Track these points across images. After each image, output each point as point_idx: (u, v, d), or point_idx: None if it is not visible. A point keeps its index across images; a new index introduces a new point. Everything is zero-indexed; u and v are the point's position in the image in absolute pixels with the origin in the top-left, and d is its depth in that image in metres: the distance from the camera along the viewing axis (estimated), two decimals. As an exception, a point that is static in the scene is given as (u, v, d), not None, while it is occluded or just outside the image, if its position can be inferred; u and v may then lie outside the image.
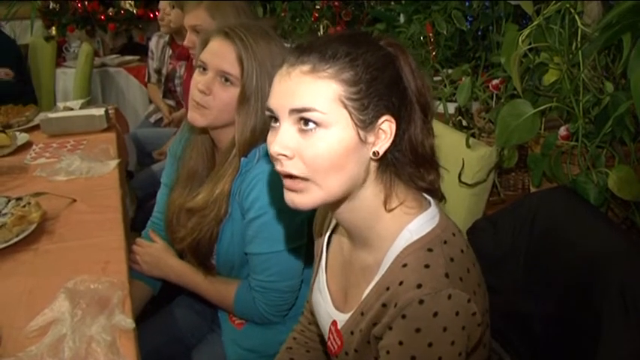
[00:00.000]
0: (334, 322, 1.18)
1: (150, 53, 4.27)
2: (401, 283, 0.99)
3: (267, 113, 1.03)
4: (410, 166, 1.06)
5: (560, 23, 1.63)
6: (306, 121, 0.97)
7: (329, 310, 1.20)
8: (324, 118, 0.96)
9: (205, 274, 1.69)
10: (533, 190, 1.75)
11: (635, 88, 1.27)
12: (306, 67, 0.98)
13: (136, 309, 1.62)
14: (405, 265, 1.00)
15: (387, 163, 1.05)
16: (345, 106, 0.97)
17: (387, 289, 1.01)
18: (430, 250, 1.01)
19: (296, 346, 1.47)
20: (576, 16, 1.58)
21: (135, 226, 2.43)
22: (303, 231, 1.58)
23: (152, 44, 4.25)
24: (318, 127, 0.97)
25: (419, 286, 0.96)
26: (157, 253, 1.78)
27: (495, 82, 1.99)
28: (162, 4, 3.94)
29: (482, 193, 1.85)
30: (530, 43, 1.70)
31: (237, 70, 1.53)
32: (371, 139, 1.00)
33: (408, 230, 1.04)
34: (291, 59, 1.01)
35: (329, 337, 1.20)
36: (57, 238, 1.70)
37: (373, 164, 1.03)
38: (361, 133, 0.98)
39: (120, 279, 1.43)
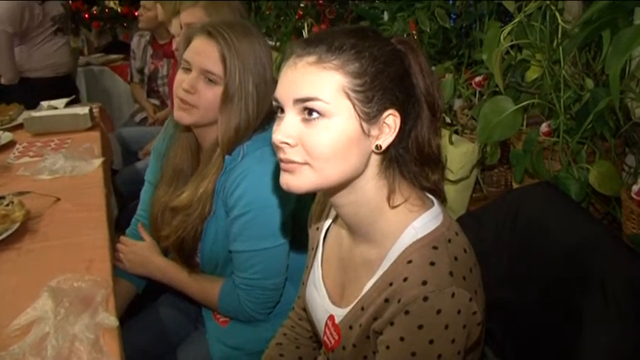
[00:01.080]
0: (331, 317, 1.17)
1: (132, 53, 4.26)
2: (405, 280, 0.99)
3: (274, 104, 1.04)
4: (415, 165, 1.07)
5: (541, 20, 1.65)
6: (310, 110, 0.97)
7: (325, 304, 1.20)
8: (327, 107, 0.97)
9: (190, 272, 1.69)
10: (515, 186, 1.76)
11: (613, 84, 1.28)
12: (312, 58, 0.98)
13: (120, 307, 1.62)
14: (410, 262, 1.01)
15: (391, 159, 1.05)
16: (349, 98, 0.97)
17: (390, 284, 1.02)
18: (435, 247, 1.01)
19: (286, 341, 1.46)
20: (557, 13, 1.60)
21: (119, 225, 2.42)
22: (287, 229, 1.58)
23: (133, 44, 4.24)
24: (321, 117, 0.97)
25: (424, 283, 0.97)
26: (141, 252, 1.77)
27: (478, 79, 2.00)
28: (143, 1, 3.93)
29: (466, 189, 1.87)
30: (512, 40, 1.72)
31: (221, 69, 1.53)
32: (374, 132, 1.00)
33: (413, 227, 1.05)
34: (298, 50, 1.01)
35: (325, 332, 1.19)
36: (40, 237, 1.70)
37: (376, 158, 1.04)
38: (364, 125, 0.98)
39: (104, 277, 1.43)
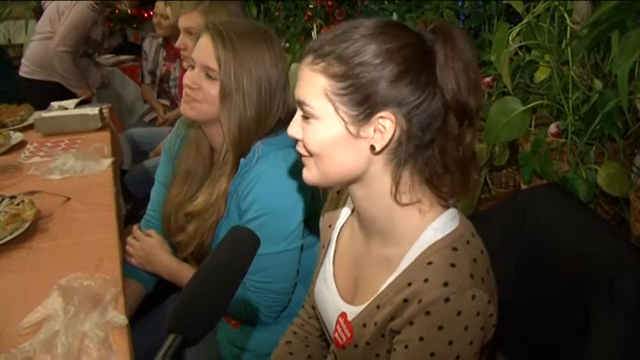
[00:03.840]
0: (343, 314, 1.17)
1: (143, 54, 4.28)
2: (426, 280, 0.99)
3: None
4: (440, 167, 1.02)
5: (549, 21, 1.65)
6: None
7: (336, 301, 1.20)
8: (312, 111, 1.00)
9: None
10: (523, 186, 1.76)
11: (621, 84, 1.28)
12: (308, 59, 1.02)
13: (130, 308, 1.62)
14: (430, 263, 1.01)
15: (401, 160, 1.02)
16: (331, 101, 0.99)
17: (410, 284, 1.01)
18: (455, 249, 1.01)
19: (295, 340, 1.46)
20: (565, 15, 1.60)
21: (129, 225, 2.43)
22: (299, 233, 1.57)
23: (146, 46, 4.26)
24: (312, 118, 1.01)
25: (445, 284, 0.97)
26: (150, 249, 1.76)
27: (487, 80, 2.00)
28: (158, 7, 3.94)
29: (474, 189, 1.86)
30: (520, 42, 1.72)
31: (216, 65, 1.54)
32: (366, 133, 0.99)
33: (432, 228, 1.05)
34: (305, 49, 1.05)
35: (336, 329, 1.19)
36: (51, 235, 1.71)
37: (378, 157, 1.02)
38: (351, 127, 0.98)
39: (113, 276, 1.44)
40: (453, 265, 0.99)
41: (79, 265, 1.48)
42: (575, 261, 1.24)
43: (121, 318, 1.27)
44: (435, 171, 1.03)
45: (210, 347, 1.76)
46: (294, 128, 1.06)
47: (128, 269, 1.77)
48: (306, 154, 1.05)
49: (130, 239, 1.81)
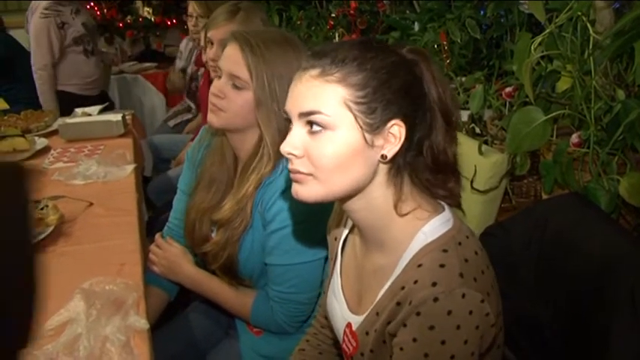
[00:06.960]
0: (349, 324, 1.19)
1: (179, 53, 4.41)
2: (416, 282, 1.00)
3: (284, 116, 1.07)
4: (429, 173, 1.08)
5: (572, 31, 1.64)
6: (313, 123, 1.01)
7: (344, 313, 1.22)
8: (328, 120, 0.99)
9: (220, 281, 1.69)
10: (545, 196, 1.75)
11: (644, 95, 1.28)
12: (315, 71, 1.02)
13: (152, 316, 1.62)
14: (420, 265, 1.02)
15: (400, 167, 1.06)
16: (351, 110, 1.00)
17: (402, 288, 1.03)
18: (445, 250, 1.03)
19: (309, 348, 1.48)
20: (588, 24, 1.59)
21: (150, 231, 2.45)
22: (324, 243, 1.58)
23: (182, 45, 4.43)
24: (324, 130, 1.00)
25: (434, 284, 0.98)
26: (173, 258, 1.77)
27: (508, 89, 1.99)
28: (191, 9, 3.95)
29: (495, 199, 1.86)
30: (542, 51, 1.71)
31: (246, 74, 1.54)
32: (379, 142, 1.02)
33: (423, 232, 1.06)
34: (304, 63, 1.04)
35: (344, 340, 1.21)
36: (73, 240, 1.73)
37: (383, 167, 1.05)
38: (367, 136, 1.00)
39: (135, 281, 1.46)
40: (442, 266, 1.00)
41: (102, 270, 1.50)
42: (596, 271, 1.24)
43: (142, 322, 1.29)
44: (429, 175, 1.08)
45: (231, 353, 1.77)
46: (294, 144, 1.03)
47: (151, 277, 1.78)
48: (307, 170, 1.03)
49: (153, 248, 1.82)
